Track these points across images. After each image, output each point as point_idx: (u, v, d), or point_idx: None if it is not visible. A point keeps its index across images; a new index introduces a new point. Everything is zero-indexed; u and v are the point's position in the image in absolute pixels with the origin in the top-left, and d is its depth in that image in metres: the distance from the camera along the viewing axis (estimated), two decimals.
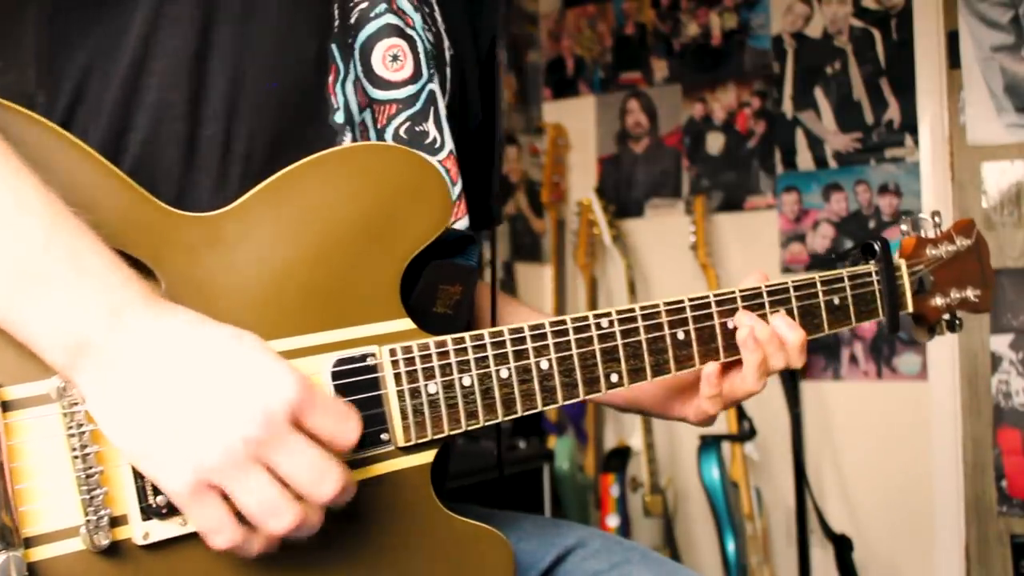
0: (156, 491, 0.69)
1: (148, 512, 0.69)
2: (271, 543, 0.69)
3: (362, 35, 0.91)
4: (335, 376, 0.77)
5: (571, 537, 1.06)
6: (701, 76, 3.37)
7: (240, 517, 0.67)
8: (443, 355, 0.81)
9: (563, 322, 0.88)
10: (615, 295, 3.42)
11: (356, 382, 0.78)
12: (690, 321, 0.96)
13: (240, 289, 0.75)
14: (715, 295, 0.98)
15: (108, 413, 0.66)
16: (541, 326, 0.87)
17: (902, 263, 1.14)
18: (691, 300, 0.96)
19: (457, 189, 0.96)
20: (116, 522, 0.69)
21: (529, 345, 0.86)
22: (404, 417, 0.79)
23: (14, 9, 0.80)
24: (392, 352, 0.79)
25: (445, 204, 0.84)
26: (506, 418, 0.84)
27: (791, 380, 2.84)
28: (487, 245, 3.20)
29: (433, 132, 0.94)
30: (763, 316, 1.00)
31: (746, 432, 2.96)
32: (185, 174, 0.80)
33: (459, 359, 0.82)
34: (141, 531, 0.69)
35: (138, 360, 0.65)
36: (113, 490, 0.69)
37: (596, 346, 0.90)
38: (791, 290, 1.03)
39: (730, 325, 0.98)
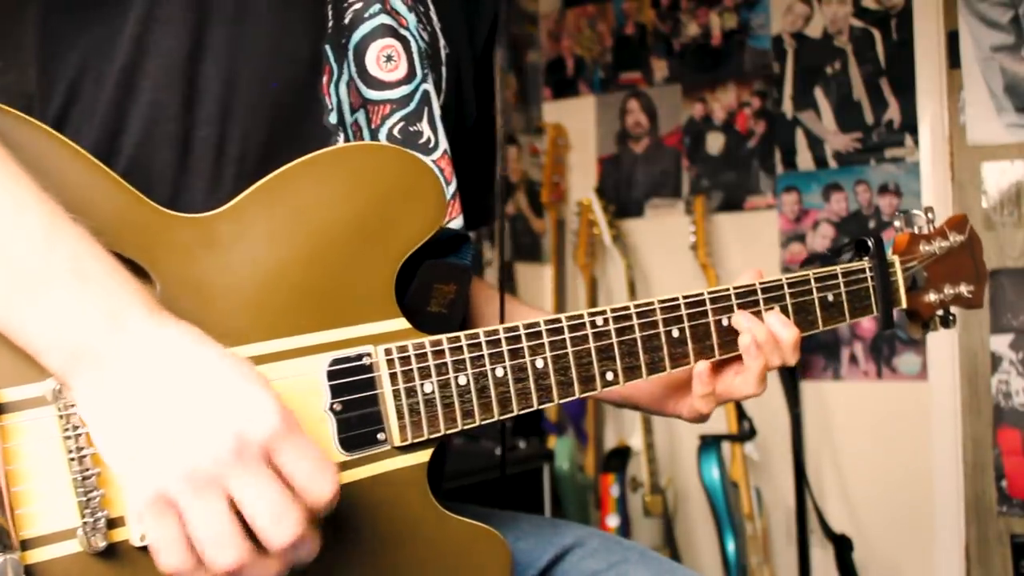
0: None
1: None
2: None
3: (356, 36, 0.91)
4: (331, 376, 0.77)
5: (569, 536, 1.06)
6: (701, 76, 3.37)
7: (194, 548, 0.65)
8: (438, 354, 0.81)
9: (558, 320, 0.88)
10: (615, 295, 3.42)
11: (352, 382, 0.78)
12: (685, 319, 0.96)
13: (235, 290, 0.75)
14: (710, 293, 0.98)
15: (96, 416, 0.66)
16: (536, 324, 0.87)
17: (896, 259, 1.14)
18: (686, 298, 0.96)
19: (451, 188, 0.96)
20: (113, 524, 0.68)
21: (524, 344, 0.86)
22: (400, 417, 0.79)
23: (14, 9, 0.80)
24: (388, 352, 0.79)
25: (439, 203, 0.84)
26: (502, 417, 0.85)
27: (791, 380, 2.84)
28: (493, 246, 3.20)
29: (427, 132, 0.95)
30: (757, 313, 1.00)
31: (746, 432, 2.96)
32: (179, 175, 0.81)
33: (454, 358, 0.82)
34: (138, 533, 0.69)
35: (133, 368, 0.65)
36: (110, 492, 0.68)
37: (591, 344, 0.90)
38: (785, 287, 1.03)
39: (724, 323, 0.98)
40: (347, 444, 0.78)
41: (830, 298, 1.06)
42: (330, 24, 0.89)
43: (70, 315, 0.65)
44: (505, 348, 0.85)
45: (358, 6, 0.91)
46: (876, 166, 3.04)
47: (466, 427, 0.83)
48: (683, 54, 3.40)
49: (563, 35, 3.65)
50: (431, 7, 0.99)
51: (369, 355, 0.79)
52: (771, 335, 0.99)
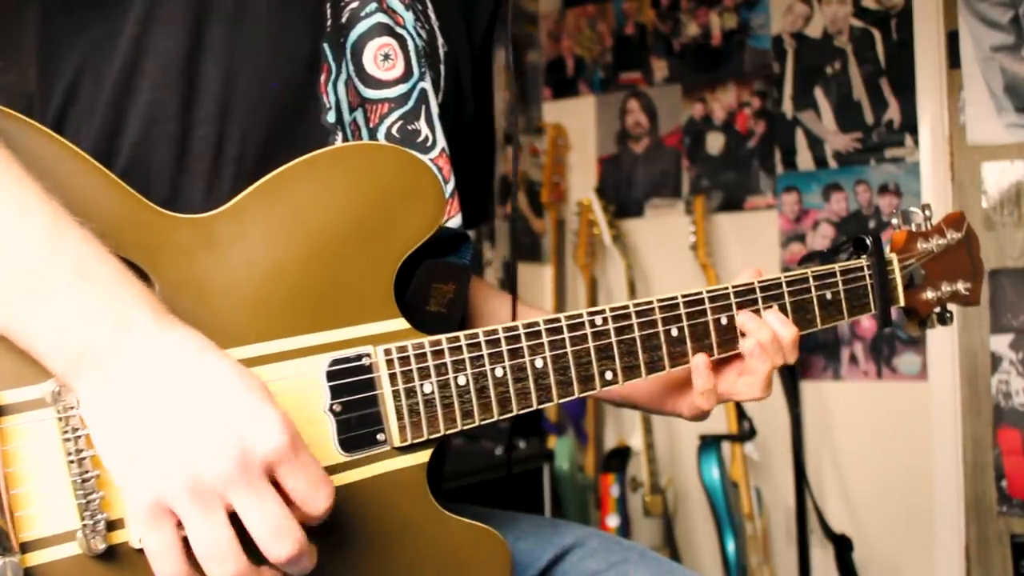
0: None
1: None
2: None
3: (353, 34, 0.91)
4: (330, 377, 0.77)
5: (569, 536, 1.06)
6: (701, 76, 3.37)
7: (190, 556, 0.65)
8: (438, 354, 0.81)
9: (557, 320, 0.88)
10: (615, 295, 3.42)
11: (351, 383, 0.78)
12: (684, 318, 0.96)
13: (234, 290, 0.75)
14: (708, 292, 0.98)
15: (97, 416, 0.65)
16: (535, 324, 0.87)
17: (893, 257, 1.14)
18: (685, 297, 0.96)
19: (450, 187, 0.96)
20: (113, 526, 0.68)
21: (524, 344, 0.86)
22: (400, 417, 0.79)
23: (14, 9, 0.80)
24: (387, 352, 0.79)
25: (438, 203, 0.84)
26: (501, 417, 0.84)
27: (791, 380, 2.84)
28: (493, 246, 3.20)
29: (425, 130, 0.95)
30: (756, 312, 1.00)
31: (746, 432, 2.96)
32: (177, 175, 0.80)
33: (454, 358, 0.82)
34: (138, 535, 0.69)
35: (137, 370, 0.65)
36: (110, 494, 0.68)
37: (591, 344, 0.90)
38: (783, 285, 1.03)
39: (723, 321, 0.98)
40: (347, 445, 0.77)
41: (828, 296, 1.06)
42: (328, 23, 0.89)
43: (74, 317, 0.64)
44: (504, 348, 0.84)
45: (355, 5, 0.91)
46: (876, 166, 3.04)
47: (466, 427, 0.83)
48: (683, 54, 3.40)
49: (563, 35, 3.65)
50: (429, 5, 0.99)
51: (368, 355, 0.79)
52: (775, 336, 0.99)
